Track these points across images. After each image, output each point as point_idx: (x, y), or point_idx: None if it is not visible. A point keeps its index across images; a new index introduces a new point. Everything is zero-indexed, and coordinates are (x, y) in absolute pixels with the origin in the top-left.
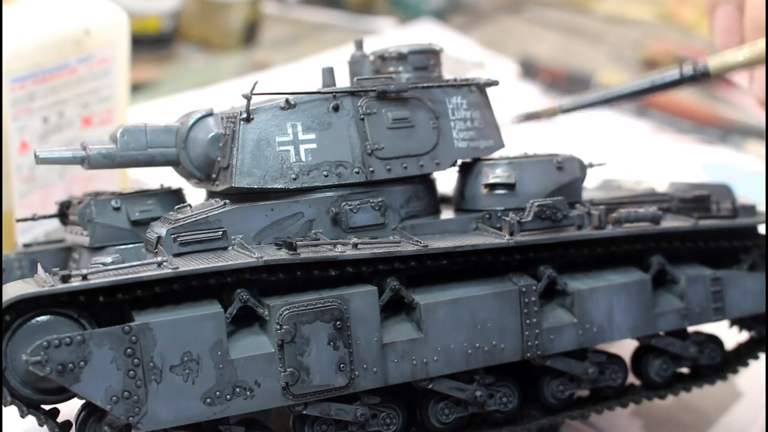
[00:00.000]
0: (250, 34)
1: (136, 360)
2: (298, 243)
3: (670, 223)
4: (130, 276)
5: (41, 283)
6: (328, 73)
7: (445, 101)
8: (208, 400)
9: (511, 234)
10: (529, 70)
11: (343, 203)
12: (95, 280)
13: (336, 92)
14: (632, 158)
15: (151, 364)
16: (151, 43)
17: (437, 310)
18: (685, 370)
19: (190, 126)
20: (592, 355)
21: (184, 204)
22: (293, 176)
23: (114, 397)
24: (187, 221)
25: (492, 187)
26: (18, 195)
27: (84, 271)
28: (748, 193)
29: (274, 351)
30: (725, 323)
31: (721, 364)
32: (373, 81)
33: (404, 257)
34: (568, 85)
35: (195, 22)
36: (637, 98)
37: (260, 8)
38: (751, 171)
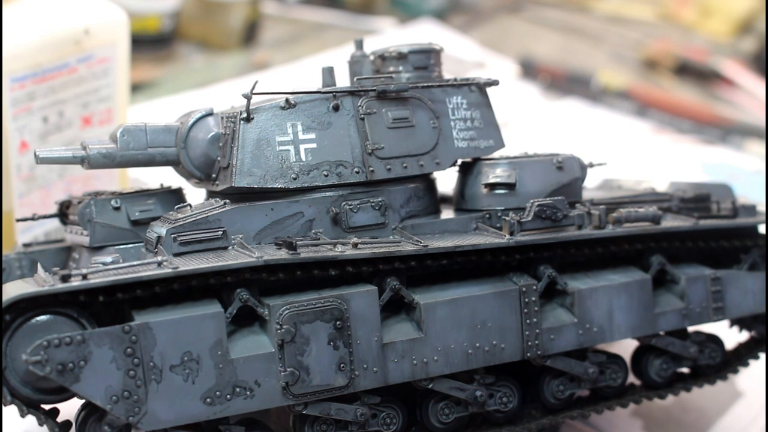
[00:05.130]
0: (250, 34)
1: (136, 360)
2: (298, 243)
3: (670, 222)
4: (130, 275)
5: (41, 282)
6: (328, 73)
7: (445, 101)
8: (208, 399)
9: (511, 234)
10: (529, 70)
11: (343, 203)
12: (95, 280)
13: (336, 92)
14: (632, 158)
15: (151, 363)
16: (151, 43)
17: (437, 309)
18: (685, 369)
19: (190, 126)
20: (592, 355)
21: (184, 204)
22: (293, 176)
23: (114, 397)
24: (187, 221)
25: (492, 186)
26: (18, 195)
27: (84, 271)
28: (748, 193)
29: (274, 351)
30: (725, 323)
31: (721, 363)
32: (373, 81)
33: (404, 257)
34: (568, 85)
35: (195, 22)
36: None
37: (260, 8)
38: (751, 171)
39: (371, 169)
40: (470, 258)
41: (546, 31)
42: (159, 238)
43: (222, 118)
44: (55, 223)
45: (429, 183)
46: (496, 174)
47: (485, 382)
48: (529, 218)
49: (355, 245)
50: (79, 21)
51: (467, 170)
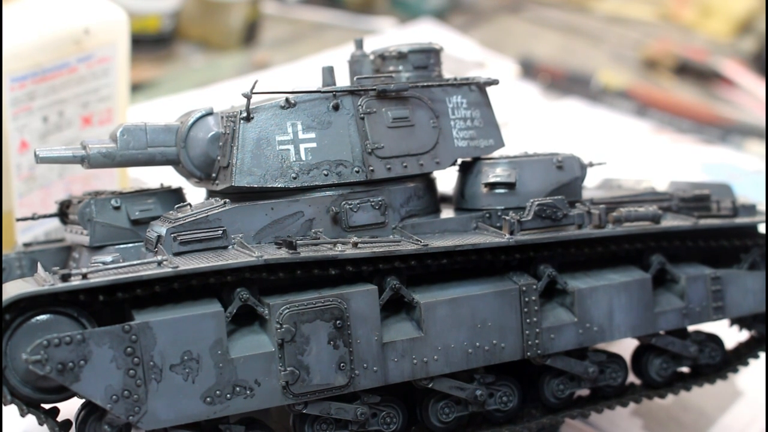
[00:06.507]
0: (250, 34)
1: (136, 359)
2: (298, 242)
3: (670, 222)
4: (130, 275)
5: (41, 282)
6: (328, 72)
7: (445, 100)
8: (208, 399)
9: (511, 233)
10: (529, 70)
11: (343, 202)
12: (95, 279)
13: (336, 91)
14: (632, 158)
15: (151, 363)
16: (151, 43)
17: (437, 309)
18: (685, 369)
19: (190, 125)
20: (592, 355)
21: (184, 203)
22: (293, 175)
23: (114, 396)
24: (187, 220)
25: (492, 186)
26: (18, 194)
27: (84, 270)
28: (748, 192)
29: (274, 350)
30: (725, 322)
31: (721, 363)
32: (373, 80)
33: (404, 256)
34: (568, 85)
35: (195, 22)
36: None
37: (260, 8)
38: (751, 171)
39: (371, 168)
40: (470, 257)
41: (546, 31)
42: (159, 237)
43: (222, 117)
44: (55, 222)
45: (429, 182)
46: (496, 173)
47: (485, 381)
48: (529, 217)
49: (354, 245)
50: (79, 21)
51: (467, 170)
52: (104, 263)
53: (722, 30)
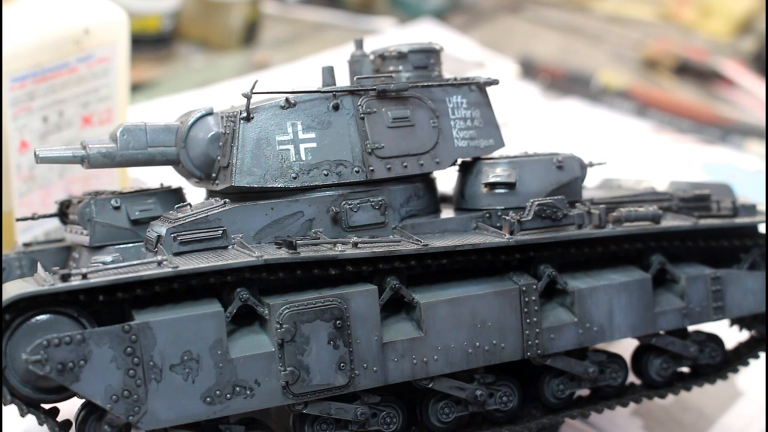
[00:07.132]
0: (250, 34)
1: (136, 359)
2: (298, 242)
3: (670, 222)
4: (130, 275)
5: (41, 282)
6: (328, 72)
7: (445, 100)
8: (208, 399)
9: (512, 233)
10: (529, 70)
11: (343, 202)
12: (95, 279)
13: (336, 91)
14: (632, 158)
15: (151, 363)
16: (151, 43)
17: (437, 309)
18: (685, 369)
19: (190, 125)
20: (592, 355)
21: (184, 203)
22: (293, 175)
23: (114, 396)
24: (187, 220)
25: (492, 186)
26: (18, 194)
27: (84, 270)
28: (748, 192)
29: (274, 350)
30: (725, 322)
31: (721, 363)
32: (373, 80)
33: (404, 256)
34: (568, 85)
35: (195, 22)
36: None
37: (260, 8)
38: (751, 171)
39: (371, 168)
40: (470, 257)
41: (546, 31)
42: (159, 237)
43: (222, 117)
44: (55, 222)
45: (429, 182)
46: (496, 173)
47: (485, 381)
48: (529, 217)
49: (355, 245)
50: (79, 21)
51: (467, 170)
52: (104, 263)
53: (722, 30)
